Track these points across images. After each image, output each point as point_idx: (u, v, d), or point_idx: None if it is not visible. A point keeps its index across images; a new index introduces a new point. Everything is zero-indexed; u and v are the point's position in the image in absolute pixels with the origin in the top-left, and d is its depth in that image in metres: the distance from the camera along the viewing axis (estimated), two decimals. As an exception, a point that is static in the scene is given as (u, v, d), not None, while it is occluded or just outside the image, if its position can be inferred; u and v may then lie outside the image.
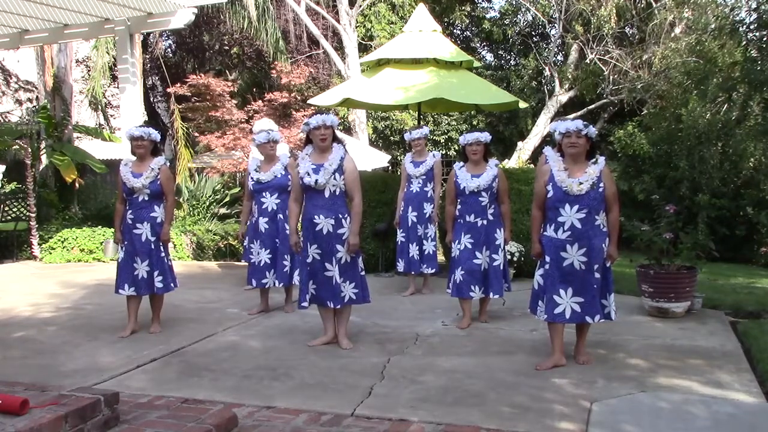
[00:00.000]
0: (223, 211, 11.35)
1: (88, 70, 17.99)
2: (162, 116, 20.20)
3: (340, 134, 5.03)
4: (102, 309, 6.27)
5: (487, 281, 5.53)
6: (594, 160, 4.36)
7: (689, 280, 5.83)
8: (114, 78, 17.48)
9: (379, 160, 14.08)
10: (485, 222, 5.50)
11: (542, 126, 16.13)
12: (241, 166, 11.95)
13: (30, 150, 10.58)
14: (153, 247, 5.30)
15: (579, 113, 15.46)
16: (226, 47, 20.19)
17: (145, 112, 17.05)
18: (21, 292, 7.27)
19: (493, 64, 19.53)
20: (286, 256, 5.92)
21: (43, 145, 11.60)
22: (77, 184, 11.63)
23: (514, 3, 18.30)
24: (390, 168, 16.30)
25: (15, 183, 12.43)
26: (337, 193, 4.77)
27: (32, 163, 10.62)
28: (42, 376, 4.19)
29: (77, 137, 13.48)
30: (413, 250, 6.83)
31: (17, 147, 11.52)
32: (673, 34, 14.00)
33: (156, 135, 5.35)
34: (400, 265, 6.97)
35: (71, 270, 8.96)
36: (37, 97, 15.37)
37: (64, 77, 12.43)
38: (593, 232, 4.31)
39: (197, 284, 7.66)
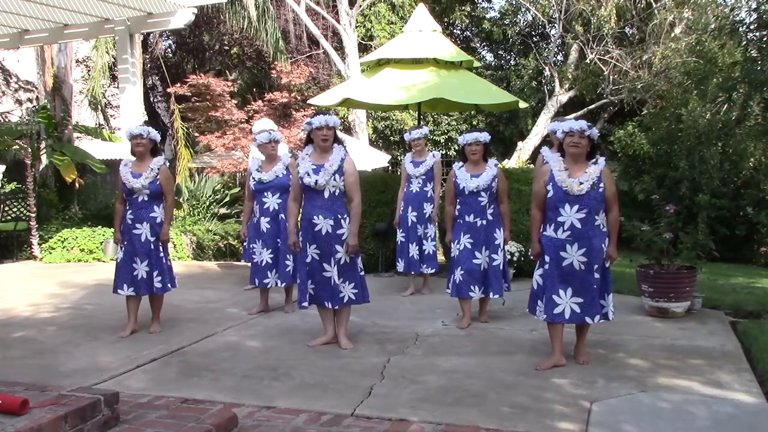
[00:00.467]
0: (223, 211, 11.35)
1: (88, 70, 17.98)
2: (162, 116, 20.20)
3: (340, 135, 5.02)
4: (102, 309, 6.27)
5: (487, 281, 5.53)
6: (594, 160, 4.36)
7: (689, 280, 5.83)
8: (114, 78, 17.47)
9: (379, 160, 14.08)
10: (485, 222, 5.50)
11: (542, 126, 16.13)
12: (241, 166, 11.95)
13: (30, 150, 10.58)
14: (152, 247, 5.30)
15: (579, 113, 15.45)
16: (226, 47, 20.19)
17: (145, 112, 17.04)
18: (21, 292, 7.27)
19: (493, 64, 19.53)
20: (288, 256, 5.92)
21: (43, 145, 11.60)
22: (77, 184, 11.63)
23: (514, 3, 18.30)
24: (390, 168, 16.30)
25: (15, 183, 12.43)
26: (337, 194, 4.77)
27: (32, 163, 10.62)
28: (42, 376, 4.19)
29: (77, 137, 13.47)
30: (413, 250, 6.83)
31: (17, 147, 11.51)
32: (673, 34, 14.00)
33: (155, 134, 5.35)
34: (400, 265, 6.97)
35: (71, 270, 8.96)
36: (37, 97, 15.36)
37: (64, 77, 12.42)
38: (593, 232, 4.31)
39: (197, 284, 7.66)
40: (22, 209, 10.29)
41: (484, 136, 5.55)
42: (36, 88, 15.37)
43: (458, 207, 5.57)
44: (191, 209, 11.21)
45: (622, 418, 3.51)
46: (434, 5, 17.08)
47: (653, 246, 6.00)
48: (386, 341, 5.08)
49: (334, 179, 4.72)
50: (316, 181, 4.70)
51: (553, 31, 17.16)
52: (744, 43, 10.35)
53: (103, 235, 10.02)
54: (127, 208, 5.34)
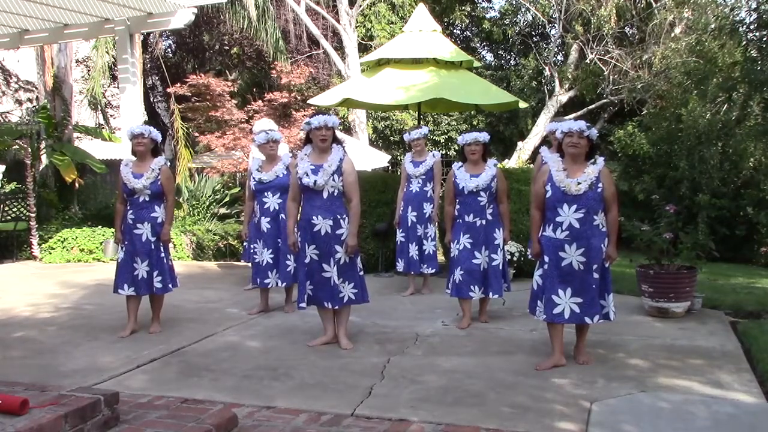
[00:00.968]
0: (223, 211, 11.35)
1: (88, 70, 17.98)
2: (162, 116, 20.20)
3: (339, 135, 5.02)
4: (102, 309, 6.27)
5: (487, 281, 5.53)
6: (593, 160, 4.36)
7: (689, 280, 5.83)
8: (114, 78, 17.48)
9: (379, 160, 14.08)
10: (484, 222, 5.50)
11: (542, 126, 16.11)
12: (241, 166, 11.95)
13: (30, 150, 10.58)
14: (153, 247, 5.30)
15: (579, 113, 15.46)
16: (226, 47, 20.19)
17: (145, 112, 17.03)
18: (21, 292, 7.27)
19: (493, 64, 19.53)
20: (288, 256, 5.91)
21: (43, 145, 11.60)
22: (77, 184, 11.63)
23: (514, 3, 18.30)
24: (390, 168, 16.29)
25: (15, 183, 12.43)
26: (336, 194, 4.77)
27: (32, 163, 10.62)
28: (42, 376, 4.19)
29: (77, 137, 13.47)
30: (413, 250, 6.83)
31: (17, 147, 11.52)
32: (673, 34, 13.99)
33: (156, 134, 5.35)
34: (400, 265, 6.97)
35: (71, 270, 8.95)
36: (37, 97, 15.36)
37: (64, 77, 12.42)
38: (591, 232, 4.31)
39: (197, 284, 7.66)
40: (22, 209, 10.29)
41: (484, 136, 5.55)
42: (36, 88, 15.36)
43: (458, 207, 5.57)
44: (191, 209, 11.21)
45: (622, 418, 3.51)
46: (434, 5, 17.08)
47: (653, 246, 6.00)
48: (386, 341, 5.08)
49: (333, 179, 4.72)
50: (315, 181, 4.69)
51: (553, 31, 17.16)
52: (744, 43, 10.34)
53: (103, 235, 10.03)
54: (128, 208, 5.34)
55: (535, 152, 15.95)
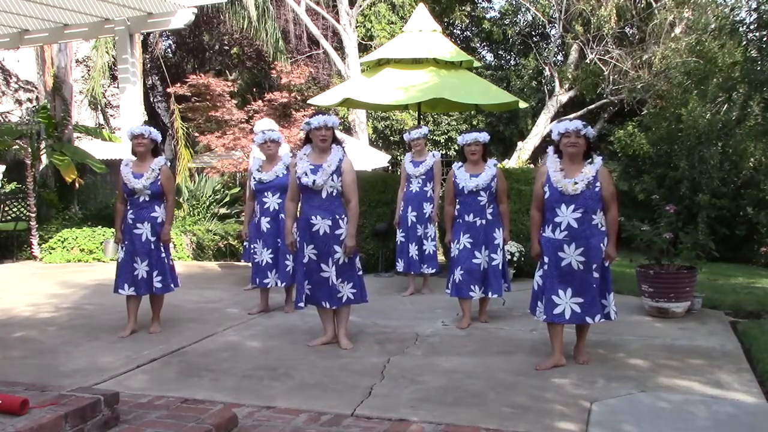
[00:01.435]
0: (223, 211, 11.35)
1: (88, 70, 17.99)
2: (162, 116, 20.20)
3: (339, 135, 5.02)
4: (102, 309, 6.27)
5: (487, 281, 5.53)
6: (590, 159, 4.37)
7: (689, 280, 5.83)
8: (114, 78, 17.47)
9: (379, 160, 14.08)
10: (484, 222, 5.50)
11: (542, 126, 16.13)
12: (241, 166, 11.95)
13: (30, 150, 10.58)
14: (153, 247, 5.30)
15: (579, 113, 15.45)
16: (226, 47, 20.19)
17: (145, 112, 17.04)
18: (21, 292, 7.27)
19: (493, 64, 19.53)
20: (288, 256, 5.91)
21: (43, 145, 11.60)
22: (77, 184, 11.63)
23: (514, 3, 18.30)
24: (390, 168, 16.29)
25: (15, 183, 12.43)
26: (335, 194, 4.77)
27: (32, 163, 10.62)
28: (42, 376, 4.20)
29: (77, 137, 13.48)
30: (413, 250, 6.83)
31: (17, 147, 11.52)
32: (673, 34, 14.00)
33: (157, 134, 5.36)
34: (400, 265, 6.97)
35: (71, 270, 8.96)
36: (37, 97, 15.36)
37: (64, 77, 12.43)
38: (590, 232, 4.31)
39: (197, 284, 7.66)
40: (22, 209, 10.29)
41: (484, 137, 5.56)
42: (36, 88, 15.36)
43: (458, 207, 5.57)
44: (191, 209, 11.21)
45: (622, 418, 3.51)
46: (434, 5, 17.08)
47: (653, 246, 6.00)
48: (386, 341, 5.08)
49: (332, 179, 4.72)
50: (314, 181, 4.69)
51: (553, 31, 17.16)
52: (744, 43, 10.35)
53: (103, 235, 10.03)
54: (128, 207, 5.34)
55: (535, 152, 15.99)
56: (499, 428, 3.39)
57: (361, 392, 3.93)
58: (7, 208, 10.40)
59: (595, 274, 4.35)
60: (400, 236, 6.95)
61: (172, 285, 5.43)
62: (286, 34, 17.91)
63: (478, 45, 19.89)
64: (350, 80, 10.96)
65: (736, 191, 10.63)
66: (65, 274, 8.57)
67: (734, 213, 10.37)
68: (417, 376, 4.22)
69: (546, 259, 4.40)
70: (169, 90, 14.32)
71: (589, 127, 4.40)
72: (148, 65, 18.92)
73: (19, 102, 17.74)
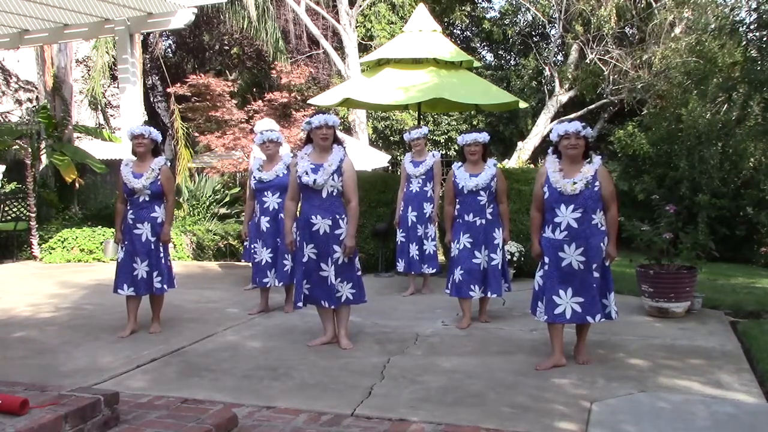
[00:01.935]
0: (223, 211, 11.35)
1: (88, 70, 17.99)
2: (162, 116, 20.20)
3: (339, 135, 5.02)
4: (102, 309, 6.27)
5: (487, 281, 5.53)
6: (588, 159, 4.37)
7: (689, 280, 5.83)
8: (114, 78, 17.48)
9: (379, 160, 14.08)
10: (484, 221, 5.50)
11: (542, 126, 16.13)
12: (241, 166, 11.95)
13: (30, 150, 10.58)
14: (153, 247, 5.30)
15: (579, 113, 15.45)
16: (226, 47, 20.19)
17: (145, 112, 17.05)
18: (21, 292, 7.27)
19: (493, 64, 19.53)
20: (286, 256, 5.92)
21: (43, 145, 11.60)
22: (77, 184, 11.63)
23: (514, 3, 18.30)
24: (390, 168, 16.29)
25: (15, 183, 12.43)
26: (335, 194, 4.77)
27: (32, 163, 10.62)
28: (42, 376, 4.20)
29: (77, 137, 13.48)
30: (413, 250, 6.83)
31: (17, 147, 11.51)
32: (673, 34, 14.00)
33: (157, 134, 5.35)
34: (400, 265, 6.97)
35: (71, 270, 8.96)
36: (37, 97, 15.36)
37: (64, 77, 12.43)
38: (590, 232, 4.32)
39: (197, 284, 7.66)
40: (22, 209, 10.29)
41: (483, 137, 5.56)
42: (36, 88, 15.37)
43: (458, 207, 5.57)
44: (191, 209, 11.21)
45: (622, 418, 3.51)
46: (434, 5, 17.08)
47: (653, 246, 6.00)
48: (386, 341, 5.08)
49: (333, 179, 4.72)
50: (315, 180, 4.69)
51: (553, 31, 17.16)
52: (744, 43, 10.35)
53: (103, 235, 10.03)
54: (128, 207, 5.34)
55: (535, 152, 15.99)
56: (499, 428, 3.39)
57: (361, 392, 3.93)
58: (7, 208, 10.40)
59: (596, 274, 4.35)
60: (400, 236, 6.95)
61: (165, 286, 5.41)
62: (286, 34, 17.91)
63: (478, 45, 19.89)
64: (350, 80, 10.96)
65: (736, 191, 10.63)
66: (65, 274, 8.57)
67: (734, 213, 10.37)
68: (417, 376, 4.22)
69: (546, 260, 4.40)
70: (169, 90, 14.32)
71: (588, 128, 4.41)
72: (148, 65, 18.92)
73: (19, 102, 17.74)
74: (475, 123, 17.24)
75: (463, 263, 5.47)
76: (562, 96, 16.22)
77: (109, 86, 19.16)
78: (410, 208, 6.84)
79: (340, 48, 16.23)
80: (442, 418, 3.53)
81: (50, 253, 9.90)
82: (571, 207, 4.30)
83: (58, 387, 3.33)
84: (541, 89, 17.21)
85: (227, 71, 19.61)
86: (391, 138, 17.91)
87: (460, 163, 5.62)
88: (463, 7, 18.52)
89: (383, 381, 4.15)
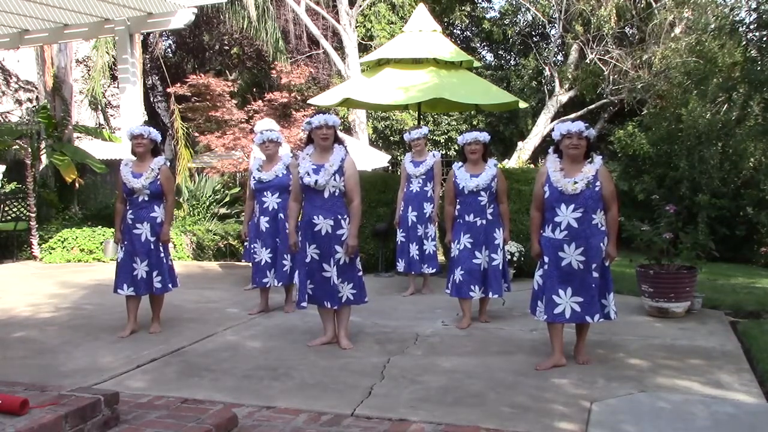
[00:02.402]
0: (223, 211, 11.35)
1: (88, 70, 17.99)
2: (162, 116, 20.20)
3: (340, 135, 5.02)
4: (102, 309, 6.27)
5: (487, 281, 5.53)
6: (590, 159, 4.37)
7: (689, 280, 5.83)
8: (114, 78, 17.48)
9: (379, 160, 14.08)
10: (484, 222, 5.50)
11: (542, 126, 16.13)
12: (241, 166, 11.96)
13: (30, 150, 10.58)
14: (152, 247, 5.30)
15: (579, 113, 15.45)
16: (226, 47, 20.19)
17: (145, 112, 17.05)
18: (21, 292, 7.27)
19: (493, 64, 19.53)
20: (286, 256, 5.92)
21: (43, 145, 11.60)
22: (77, 184, 11.63)
23: (514, 3, 18.30)
24: (390, 168, 16.30)
25: (15, 183, 12.43)
26: (337, 194, 4.77)
27: (32, 163, 10.62)
28: (42, 376, 4.20)
29: (77, 137, 13.48)
30: (413, 250, 6.83)
31: (17, 147, 11.52)
32: (673, 34, 14.00)
33: (156, 134, 5.35)
34: (400, 265, 6.97)
35: (71, 270, 8.96)
36: (37, 97, 15.36)
37: (64, 77, 12.43)
38: (590, 232, 4.32)
39: (197, 284, 7.66)
40: (22, 209, 10.29)
41: (484, 136, 5.56)
42: (36, 88, 15.37)
43: (458, 207, 5.57)
44: (191, 209, 11.21)
45: (622, 418, 3.51)
46: (434, 5, 17.07)
47: (653, 246, 6.00)
48: (386, 341, 5.08)
49: (334, 179, 4.72)
50: (316, 180, 4.70)
51: (553, 31, 17.16)
52: (744, 43, 10.35)
53: (103, 235, 10.02)
54: (128, 207, 5.34)
55: (535, 152, 15.99)
56: (499, 428, 3.39)
57: (361, 392, 3.93)
58: (7, 208, 10.40)
59: (595, 274, 4.35)
60: (400, 236, 6.95)
61: (170, 285, 5.42)
62: (286, 34, 17.91)
63: (478, 45, 19.89)
64: (350, 80, 10.96)
65: (736, 191, 10.63)
66: (65, 274, 8.57)
67: (734, 213, 10.37)
68: (417, 376, 4.22)
69: (546, 259, 4.40)
70: (169, 90, 14.32)
71: (591, 128, 4.41)
72: (148, 65, 18.91)
73: (19, 102, 17.74)
74: (475, 123, 17.24)
75: (464, 263, 5.47)
76: (562, 96, 16.22)
77: (109, 86, 19.16)
78: (410, 208, 6.84)
79: (340, 48, 16.23)
80: (442, 418, 3.53)
81: (50, 253, 9.90)
82: (572, 207, 4.30)
83: (58, 387, 3.33)
84: (541, 89, 17.21)
85: (227, 71, 19.61)
86: (391, 138, 17.91)
87: (460, 163, 5.62)
88: (463, 7, 18.52)
89: (383, 381, 4.15)
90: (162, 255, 5.36)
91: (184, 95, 12.91)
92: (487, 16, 18.87)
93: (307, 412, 3.61)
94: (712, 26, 11.69)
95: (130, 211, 5.31)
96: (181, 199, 11.11)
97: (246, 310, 6.19)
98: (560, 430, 3.39)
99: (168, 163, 5.49)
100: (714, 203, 10.16)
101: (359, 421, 3.49)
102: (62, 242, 10.03)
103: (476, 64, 9.62)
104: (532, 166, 14.25)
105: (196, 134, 13.42)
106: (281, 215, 5.94)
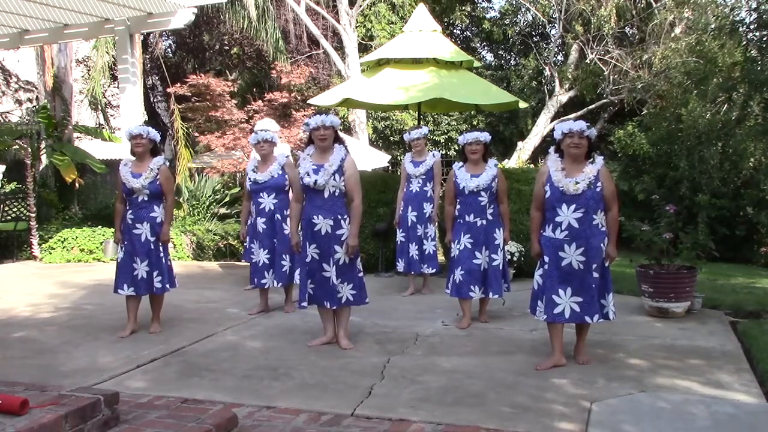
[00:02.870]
0: (223, 211, 11.36)
1: (88, 70, 17.99)
2: (162, 116, 20.20)
3: (340, 135, 5.02)
4: (102, 309, 6.27)
5: (487, 281, 5.53)
6: (591, 159, 4.37)
7: (689, 280, 5.83)
8: (114, 78, 17.48)
9: (379, 160, 14.09)
10: (484, 222, 5.50)
11: (542, 126, 16.13)
12: (241, 166, 11.96)
13: (30, 150, 10.58)
14: (152, 247, 5.30)
15: (579, 113, 15.46)
16: (226, 47, 20.19)
17: (145, 112, 17.04)
18: (21, 292, 7.27)
19: (493, 64, 19.54)
20: (284, 256, 5.92)
21: (43, 145, 11.60)
22: (77, 184, 11.63)
23: (514, 3, 18.31)
24: (390, 168, 16.30)
25: (15, 183, 12.43)
26: (337, 194, 4.77)
27: (32, 163, 10.62)
28: (42, 376, 4.20)
29: (77, 137, 13.48)
30: (413, 250, 6.83)
31: (17, 147, 11.52)
32: (673, 34, 14.00)
33: (155, 134, 5.35)
34: (400, 265, 6.97)
35: (71, 270, 8.96)
36: (37, 97, 15.36)
37: (64, 77, 12.43)
38: (591, 232, 4.32)
39: (197, 284, 7.66)
40: (22, 209, 10.29)
41: (485, 136, 5.56)
42: (36, 88, 15.37)
43: (458, 207, 5.57)
44: (191, 209, 11.21)
45: (622, 418, 3.51)
46: (434, 5, 17.08)
47: (653, 246, 6.00)
48: (386, 341, 5.08)
49: (334, 179, 4.72)
50: (316, 181, 4.70)
51: (553, 31, 17.17)
52: (744, 43, 10.35)
53: (103, 235, 10.03)
54: (127, 207, 5.34)
55: (535, 152, 15.99)
56: (499, 428, 3.39)
57: (361, 392, 3.93)
58: (7, 208, 10.40)
59: (595, 274, 4.35)
60: (400, 236, 6.95)
61: (168, 285, 5.42)
62: (286, 34, 17.91)
63: (478, 45, 19.90)
64: (350, 80, 10.96)
65: (736, 191, 10.63)
66: (65, 274, 8.57)
67: (734, 213, 10.37)
68: (417, 376, 4.22)
69: (546, 259, 4.40)
70: (169, 90, 14.33)
71: (592, 128, 4.41)
72: (148, 65, 18.92)
73: (19, 102, 17.74)
74: (475, 123, 17.25)
75: (464, 263, 5.47)
76: (562, 96, 16.22)
77: (109, 86, 19.16)
78: (410, 208, 6.84)
79: (340, 48, 16.23)
80: (442, 418, 3.53)
81: (50, 253, 9.90)
82: (573, 207, 4.30)
83: (58, 387, 3.33)
84: (541, 89, 17.22)
85: (227, 71, 19.61)
86: (391, 138, 17.91)
87: (460, 163, 5.61)
88: (463, 7, 18.52)
89: (383, 381, 4.14)
90: (162, 255, 5.36)
91: (184, 95, 12.92)
92: (487, 16, 18.88)
93: (307, 412, 3.61)
94: (712, 26, 11.69)
95: (130, 211, 5.31)
96: (181, 199, 11.11)
97: (246, 310, 6.19)
98: (560, 430, 3.39)
99: (168, 163, 5.49)
100: (714, 203, 10.16)
101: (359, 421, 3.49)
102: (62, 242, 10.03)
103: (476, 64, 9.62)
104: (532, 166, 14.25)
105: (196, 134, 13.43)
106: (278, 216, 5.93)
